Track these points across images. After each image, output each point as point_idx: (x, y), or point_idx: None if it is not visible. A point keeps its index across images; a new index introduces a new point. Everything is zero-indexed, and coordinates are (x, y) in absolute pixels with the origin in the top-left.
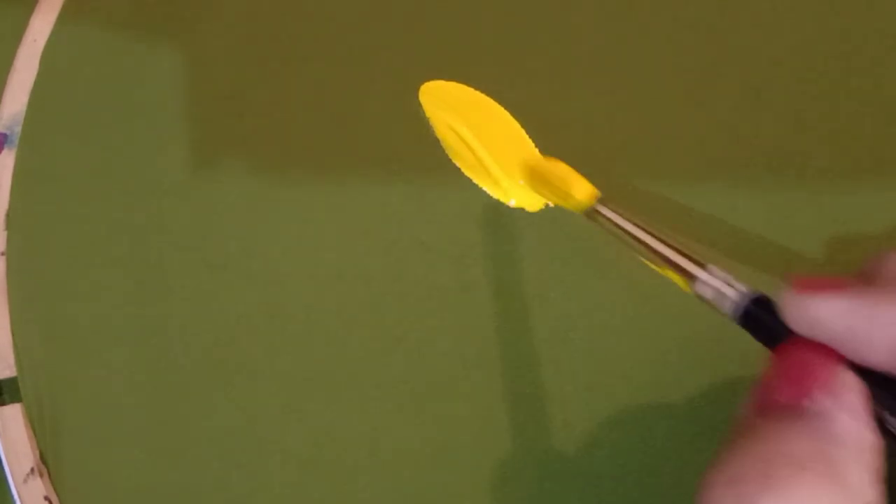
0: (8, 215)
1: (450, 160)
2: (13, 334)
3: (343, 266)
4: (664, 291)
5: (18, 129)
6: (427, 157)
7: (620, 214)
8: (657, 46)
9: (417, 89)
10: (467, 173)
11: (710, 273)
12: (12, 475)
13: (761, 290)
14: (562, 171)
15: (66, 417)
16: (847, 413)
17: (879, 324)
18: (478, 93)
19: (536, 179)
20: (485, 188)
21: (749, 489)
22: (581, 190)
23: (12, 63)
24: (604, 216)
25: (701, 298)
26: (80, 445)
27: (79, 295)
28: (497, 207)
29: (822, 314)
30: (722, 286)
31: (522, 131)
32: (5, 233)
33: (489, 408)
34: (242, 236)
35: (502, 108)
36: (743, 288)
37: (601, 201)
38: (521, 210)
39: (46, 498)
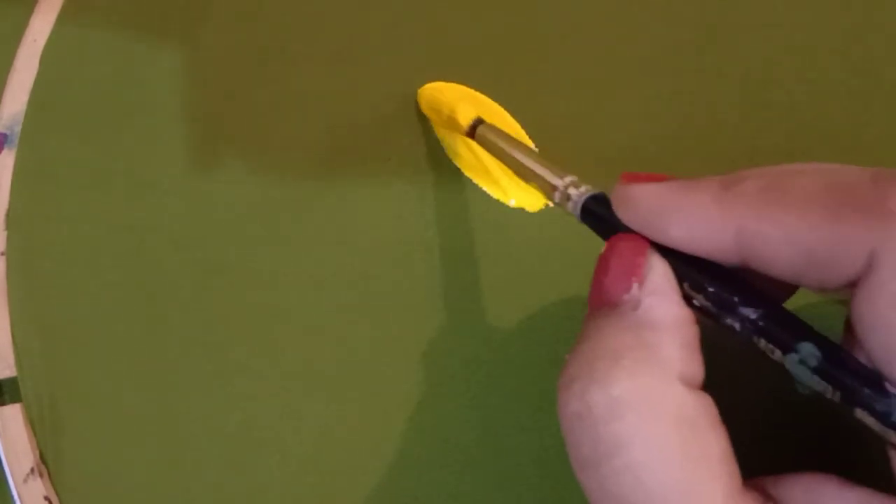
0: (8, 215)
1: (450, 160)
2: (13, 334)
3: (343, 266)
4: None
5: (18, 129)
6: (427, 157)
7: (496, 133)
8: (657, 46)
9: (417, 89)
10: (467, 173)
11: (564, 180)
12: (12, 475)
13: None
14: (451, 95)
15: (66, 417)
16: (653, 295)
17: (688, 208)
18: (477, 93)
19: (429, 107)
20: (485, 188)
21: (579, 386)
22: (463, 113)
23: (12, 63)
24: (482, 136)
25: (558, 206)
26: (80, 445)
27: (79, 295)
28: (497, 207)
29: (635, 199)
30: (570, 190)
31: (522, 131)
32: (5, 233)
33: (489, 408)
34: (242, 236)
35: (502, 109)
36: (585, 188)
37: (479, 122)
38: (522, 210)
39: (46, 498)
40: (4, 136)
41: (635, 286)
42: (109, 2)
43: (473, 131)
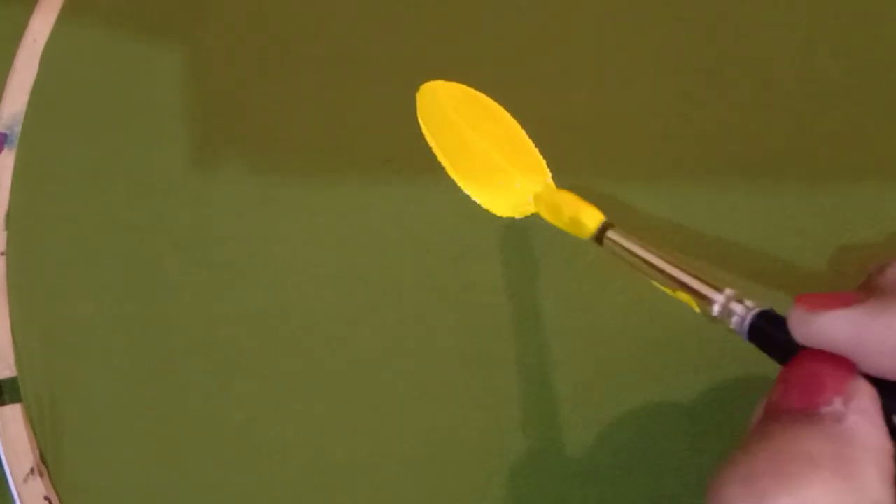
0: (8, 215)
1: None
2: (13, 334)
3: (343, 266)
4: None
5: (18, 128)
6: (427, 157)
7: (629, 239)
8: (657, 47)
9: (417, 89)
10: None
11: (720, 295)
12: (12, 475)
13: (767, 303)
14: (567, 198)
15: (66, 417)
16: (860, 415)
17: (885, 333)
18: (477, 93)
19: (546, 207)
20: (477, 199)
21: (764, 485)
22: (588, 216)
23: (12, 63)
24: (612, 241)
25: (711, 319)
26: (80, 445)
27: (79, 295)
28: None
29: (828, 329)
30: (730, 304)
31: (522, 131)
32: (5, 233)
33: (489, 408)
34: (242, 236)
35: (502, 108)
36: (749, 304)
37: (607, 226)
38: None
39: (46, 498)
40: (4, 136)
41: (839, 401)
42: (109, 2)
43: (601, 235)
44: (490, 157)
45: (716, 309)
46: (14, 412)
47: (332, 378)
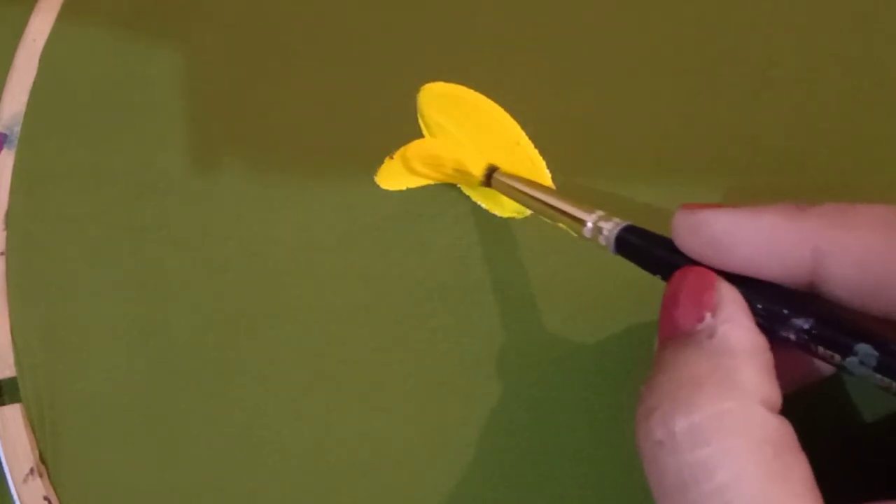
0: (8, 215)
1: None
2: (13, 334)
3: (343, 266)
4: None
5: (18, 129)
6: None
7: (512, 178)
8: (657, 46)
9: (417, 89)
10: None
11: (592, 214)
12: (12, 475)
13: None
14: (446, 147)
15: (66, 417)
16: (728, 323)
17: (758, 232)
18: (477, 93)
19: (422, 165)
20: (477, 200)
21: (660, 414)
22: (473, 164)
23: (12, 63)
24: (498, 181)
25: (588, 240)
26: (80, 445)
27: (79, 295)
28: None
29: (706, 221)
30: (601, 223)
31: (521, 131)
32: (5, 233)
33: (489, 408)
34: (242, 236)
35: (502, 109)
36: (617, 220)
37: (493, 169)
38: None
39: (46, 498)
40: (4, 136)
41: (708, 315)
42: (109, 2)
43: (489, 180)
44: (490, 158)
45: (587, 229)
46: (14, 412)
47: (331, 378)
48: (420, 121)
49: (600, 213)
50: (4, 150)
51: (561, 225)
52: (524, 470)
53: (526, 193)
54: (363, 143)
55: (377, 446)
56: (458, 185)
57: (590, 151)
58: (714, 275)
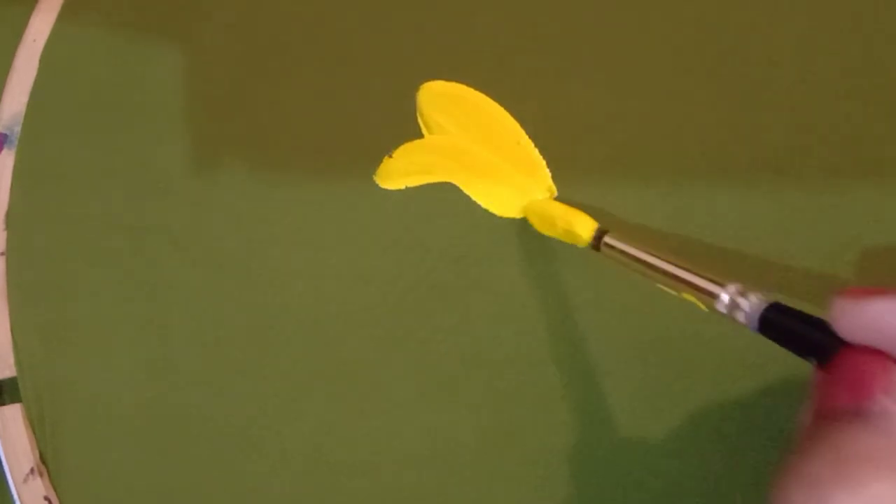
0: (8, 215)
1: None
2: (13, 334)
3: (343, 266)
4: (663, 290)
5: (18, 129)
6: None
7: (626, 243)
8: (657, 47)
9: (417, 89)
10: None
11: (725, 289)
12: (12, 475)
13: (772, 296)
14: (559, 209)
15: (66, 417)
16: None
17: None
18: (477, 93)
19: (538, 219)
20: (477, 200)
21: (824, 487)
22: (582, 226)
23: (12, 63)
24: (609, 246)
25: (721, 314)
26: (80, 445)
27: (79, 295)
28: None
29: (879, 315)
30: (737, 298)
31: (521, 131)
32: (5, 233)
33: (489, 408)
34: (242, 236)
35: (502, 108)
36: (755, 296)
37: (602, 232)
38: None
39: (46, 498)
40: (4, 136)
41: (882, 397)
42: (109, 2)
43: (598, 242)
44: (490, 158)
45: (722, 304)
46: (14, 412)
47: (332, 378)
48: (420, 120)
49: (737, 286)
50: (4, 150)
51: (686, 296)
52: (524, 469)
53: (644, 262)
54: (363, 142)
55: (377, 446)
56: (458, 185)
57: (590, 151)
58: (890, 358)
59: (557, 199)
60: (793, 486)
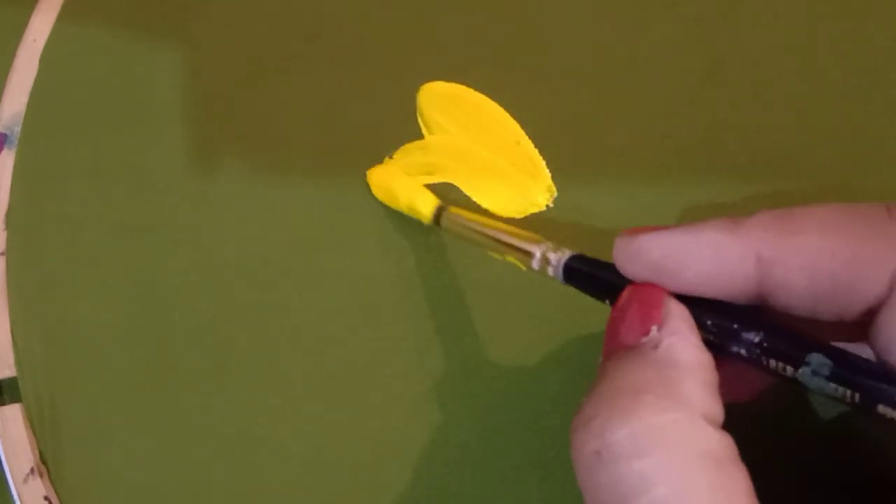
0: (8, 215)
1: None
2: (13, 334)
3: (343, 266)
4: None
5: (18, 129)
6: None
7: (460, 217)
8: (657, 46)
9: (417, 89)
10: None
11: (539, 246)
12: (12, 475)
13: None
14: (403, 185)
15: (66, 417)
16: (673, 336)
17: (701, 250)
18: (477, 93)
19: (382, 192)
20: (477, 200)
21: (601, 423)
22: (424, 203)
23: (12, 63)
24: (448, 221)
25: (537, 272)
26: (80, 445)
27: (79, 295)
28: None
29: (645, 246)
30: (547, 253)
31: (521, 131)
32: (5, 233)
33: (489, 408)
34: (242, 236)
35: (501, 108)
36: (565, 251)
37: (441, 209)
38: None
39: (46, 498)
40: (4, 136)
41: (654, 328)
42: (109, 2)
43: (438, 219)
44: (490, 158)
45: (535, 261)
46: (14, 412)
47: (331, 378)
48: (420, 120)
49: (548, 244)
50: (4, 150)
51: (511, 259)
52: (524, 470)
53: (473, 230)
54: (363, 142)
55: (377, 446)
56: (458, 185)
57: (590, 151)
58: (663, 291)
59: (557, 199)
60: (576, 428)
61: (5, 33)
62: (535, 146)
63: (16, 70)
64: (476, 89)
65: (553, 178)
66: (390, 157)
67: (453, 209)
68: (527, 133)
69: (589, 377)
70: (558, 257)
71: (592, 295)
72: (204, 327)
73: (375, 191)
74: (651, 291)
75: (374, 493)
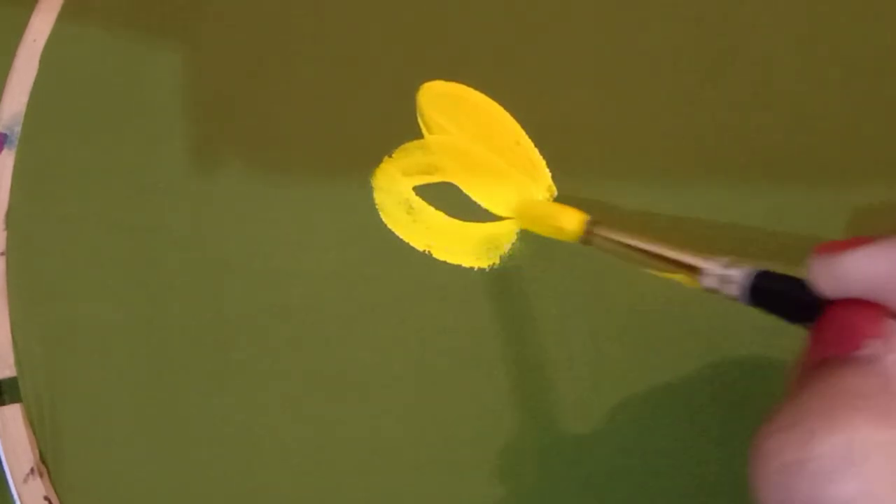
0: (8, 215)
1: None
2: (13, 334)
3: (343, 266)
4: (664, 290)
5: (18, 129)
6: None
7: (615, 232)
8: (657, 46)
9: (417, 89)
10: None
11: (713, 263)
12: (12, 475)
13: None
14: (546, 207)
15: (66, 417)
16: None
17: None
18: (477, 93)
19: (527, 220)
20: (477, 200)
21: (811, 427)
22: (570, 220)
23: (12, 63)
24: (600, 237)
25: (710, 290)
26: (80, 445)
27: (79, 295)
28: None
29: (853, 268)
30: (725, 271)
31: (521, 131)
32: (5, 233)
33: (489, 408)
34: (242, 236)
35: (502, 108)
36: (745, 267)
37: (592, 224)
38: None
39: (46, 498)
40: (4, 136)
41: (874, 342)
42: (109, 2)
43: (588, 235)
44: (490, 158)
45: (711, 278)
46: (14, 412)
47: (331, 378)
48: (420, 120)
49: (724, 259)
50: (4, 150)
51: (677, 277)
52: (523, 469)
53: (631, 246)
54: (363, 143)
55: (377, 446)
56: (458, 185)
57: (590, 151)
58: (878, 306)
59: (557, 198)
60: (776, 432)
61: (5, 33)
62: (535, 146)
63: (16, 70)
64: (476, 89)
65: (553, 177)
66: (390, 157)
67: (603, 225)
68: (527, 133)
69: (594, 377)
70: (743, 275)
71: (781, 314)
72: (204, 327)
73: (523, 223)
74: (864, 305)
75: (374, 493)
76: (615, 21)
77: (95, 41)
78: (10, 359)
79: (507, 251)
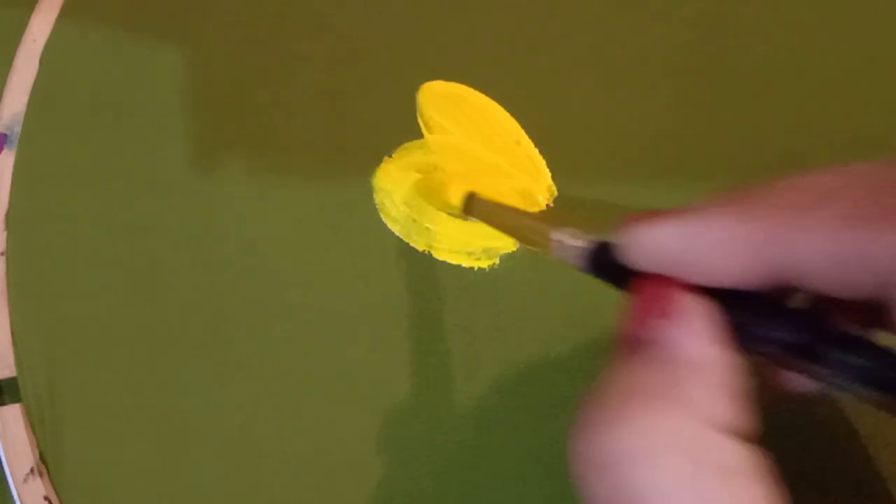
0: (8, 215)
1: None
2: (13, 334)
3: (343, 266)
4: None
5: (18, 129)
6: None
7: (488, 204)
8: (657, 46)
9: (417, 89)
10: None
11: (562, 233)
12: (12, 475)
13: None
14: (438, 179)
15: (66, 417)
16: (688, 336)
17: (711, 241)
18: (477, 92)
19: (424, 193)
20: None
21: (598, 427)
22: (453, 194)
23: (12, 63)
24: (476, 207)
25: (561, 260)
26: (80, 445)
27: (79, 295)
28: None
29: (652, 242)
30: (570, 240)
31: (521, 131)
32: (5, 233)
33: (489, 408)
34: (242, 236)
35: (502, 108)
36: (592, 238)
37: (470, 196)
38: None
39: (46, 498)
40: (4, 136)
41: (665, 324)
42: (109, 2)
43: (468, 207)
44: (490, 158)
45: (558, 247)
46: (14, 412)
47: (331, 378)
48: (420, 120)
49: (572, 229)
50: (4, 150)
51: (536, 247)
52: (524, 469)
53: (498, 214)
54: (363, 142)
55: (376, 446)
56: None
57: (590, 151)
58: (674, 283)
59: (557, 199)
60: (578, 431)
61: (5, 33)
62: (535, 146)
63: (16, 70)
64: (476, 89)
65: (553, 177)
66: (390, 157)
67: (479, 197)
68: (527, 133)
69: (587, 378)
70: (584, 245)
71: (613, 283)
72: (204, 327)
73: (420, 193)
74: (661, 283)
75: (374, 493)
76: (615, 21)
77: (95, 41)
78: (10, 359)
79: (507, 251)
